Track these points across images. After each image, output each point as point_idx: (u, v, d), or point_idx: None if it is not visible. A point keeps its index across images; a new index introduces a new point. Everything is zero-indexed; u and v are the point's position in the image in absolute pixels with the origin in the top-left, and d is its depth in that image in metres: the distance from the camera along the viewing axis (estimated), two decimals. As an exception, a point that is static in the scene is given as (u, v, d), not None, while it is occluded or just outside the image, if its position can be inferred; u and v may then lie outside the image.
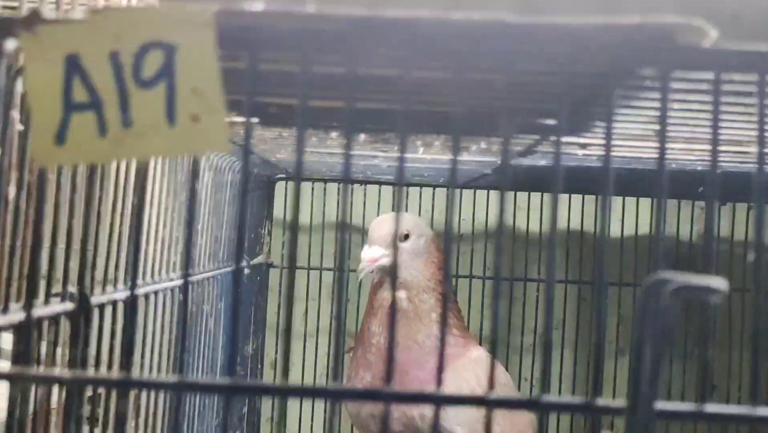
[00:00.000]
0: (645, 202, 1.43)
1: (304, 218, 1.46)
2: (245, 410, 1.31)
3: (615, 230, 1.45)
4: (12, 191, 0.44)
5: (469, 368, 0.97)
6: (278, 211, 1.44)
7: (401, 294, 1.01)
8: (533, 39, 0.34)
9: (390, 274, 1.00)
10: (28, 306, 0.43)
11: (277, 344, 1.45)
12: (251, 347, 1.33)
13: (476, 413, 0.94)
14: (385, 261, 1.00)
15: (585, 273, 1.50)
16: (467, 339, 1.03)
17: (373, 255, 1.00)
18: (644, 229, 1.44)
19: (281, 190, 1.43)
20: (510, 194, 1.45)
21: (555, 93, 0.38)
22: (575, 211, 1.44)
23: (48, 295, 0.50)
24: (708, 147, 0.60)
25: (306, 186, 1.43)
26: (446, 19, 0.34)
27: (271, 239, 1.43)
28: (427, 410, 0.94)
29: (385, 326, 0.99)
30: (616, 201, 1.44)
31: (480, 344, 1.44)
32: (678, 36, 0.36)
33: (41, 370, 0.47)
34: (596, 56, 0.35)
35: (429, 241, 1.04)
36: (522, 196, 1.44)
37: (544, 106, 0.40)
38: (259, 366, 1.39)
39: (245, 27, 0.36)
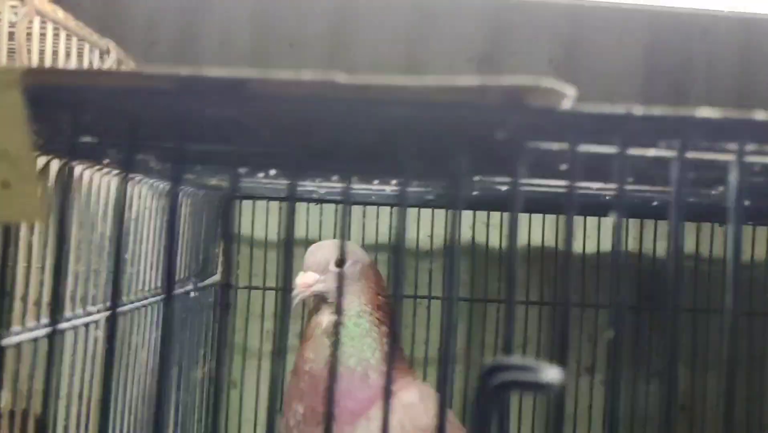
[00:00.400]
0: (607, 222, 1.41)
1: (259, 237, 1.44)
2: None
3: (577, 247, 1.43)
4: None
5: (397, 414, 0.93)
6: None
7: (335, 318, 0.99)
8: (367, 99, 0.32)
9: (325, 299, 0.99)
10: None
11: (231, 364, 1.43)
12: (204, 370, 1.30)
13: None
14: (320, 287, 0.98)
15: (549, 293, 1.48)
16: (403, 370, 0.99)
17: (307, 281, 0.98)
18: (607, 247, 1.42)
19: (236, 209, 1.40)
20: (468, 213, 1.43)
21: (404, 149, 0.35)
22: (541, 230, 1.42)
23: None
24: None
25: (260, 205, 1.41)
26: (272, 79, 0.32)
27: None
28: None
29: (319, 352, 0.97)
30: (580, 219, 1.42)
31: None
32: (531, 97, 0.33)
33: None
34: (441, 117, 0.33)
35: (366, 267, 1.02)
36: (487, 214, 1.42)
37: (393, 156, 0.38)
38: (213, 388, 1.37)
39: (66, 86, 0.33)
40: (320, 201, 1.37)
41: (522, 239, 1.43)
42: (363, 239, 1.42)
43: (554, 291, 1.44)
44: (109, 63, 0.88)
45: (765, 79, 1.53)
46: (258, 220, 1.42)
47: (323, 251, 1.00)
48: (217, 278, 1.39)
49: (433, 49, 1.54)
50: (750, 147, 0.34)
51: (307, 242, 1.32)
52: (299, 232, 1.42)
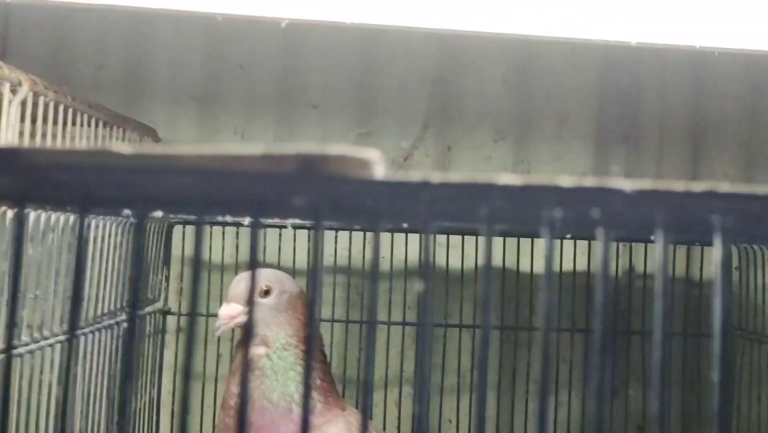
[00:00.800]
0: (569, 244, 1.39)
1: (208, 261, 1.42)
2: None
3: (526, 267, 1.41)
4: None
5: None
6: (178, 255, 1.40)
7: (260, 351, 0.96)
8: (146, 169, 0.30)
9: (250, 330, 0.96)
10: None
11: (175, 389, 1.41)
12: (143, 399, 1.28)
13: None
14: (243, 319, 0.95)
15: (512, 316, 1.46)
16: (331, 404, 0.96)
17: (229, 312, 0.95)
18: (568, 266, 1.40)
19: (179, 235, 1.38)
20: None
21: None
22: (502, 250, 1.40)
23: None
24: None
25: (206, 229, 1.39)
26: (47, 150, 0.30)
27: (168, 285, 1.38)
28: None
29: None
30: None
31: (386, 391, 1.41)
32: (331, 165, 0.31)
33: None
34: (226, 185, 0.31)
35: (294, 297, 0.99)
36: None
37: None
38: (155, 417, 1.35)
39: None
40: (270, 226, 1.35)
41: (480, 259, 1.41)
42: (332, 260, 1.40)
43: (515, 313, 1.42)
44: (21, 96, 0.86)
45: (717, 100, 1.52)
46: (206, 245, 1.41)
47: (246, 282, 0.97)
48: (159, 305, 1.37)
49: (385, 71, 1.52)
50: (558, 213, 0.32)
51: (247, 266, 1.29)
52: (242, 257, 1.41)
